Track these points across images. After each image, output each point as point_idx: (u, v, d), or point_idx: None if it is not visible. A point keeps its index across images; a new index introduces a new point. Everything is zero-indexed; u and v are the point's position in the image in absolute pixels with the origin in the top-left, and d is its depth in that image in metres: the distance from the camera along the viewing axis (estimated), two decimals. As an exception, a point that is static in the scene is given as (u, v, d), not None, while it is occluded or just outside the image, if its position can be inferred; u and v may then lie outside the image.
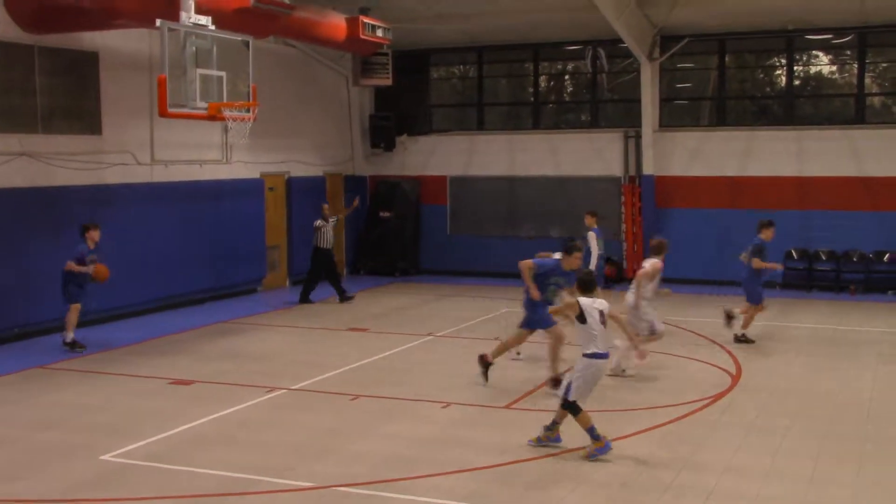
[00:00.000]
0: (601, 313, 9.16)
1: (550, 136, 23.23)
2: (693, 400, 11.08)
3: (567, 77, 25.22)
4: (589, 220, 16.92)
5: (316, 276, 19.05)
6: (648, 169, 21.89)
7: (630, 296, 12.59)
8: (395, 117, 24.04)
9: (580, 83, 24.60)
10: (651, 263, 12.80)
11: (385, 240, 23.31)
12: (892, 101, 22.33)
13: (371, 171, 24.43)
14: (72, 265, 13.71)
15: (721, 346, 14.33)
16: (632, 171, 22.18)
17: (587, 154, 22.58)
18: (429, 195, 23.86)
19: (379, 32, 19.30)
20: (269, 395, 11.44)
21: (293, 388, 11.77)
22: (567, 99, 25.21)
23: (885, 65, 22.44)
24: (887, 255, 20.13)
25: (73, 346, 13.98)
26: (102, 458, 8.99)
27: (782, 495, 7.99)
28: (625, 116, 22.65)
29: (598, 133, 22.83)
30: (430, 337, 15.31)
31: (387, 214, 23.40)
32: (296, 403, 11.17)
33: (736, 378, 12.33)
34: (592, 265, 16.08)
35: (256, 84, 14.30)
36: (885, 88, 22.51)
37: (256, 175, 20.49)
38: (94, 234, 14.03)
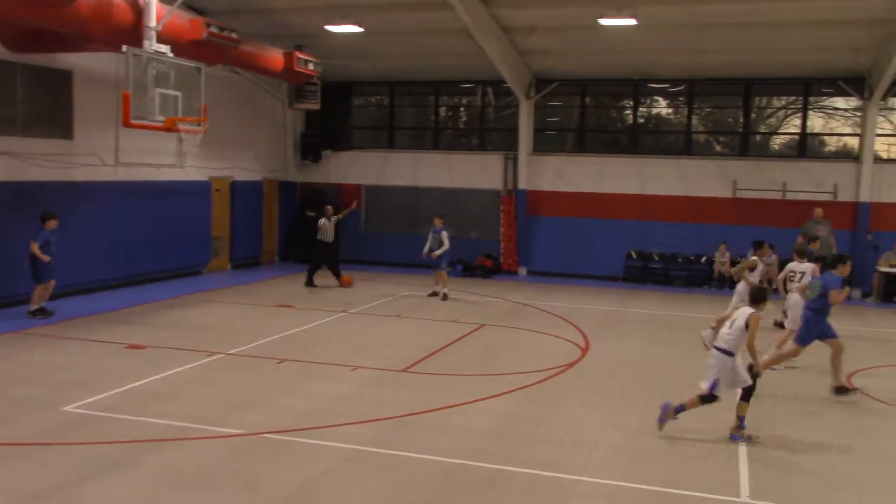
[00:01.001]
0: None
1: (447, 155, 23.31)
2: (549, 367, 11.29)
3: (462, 109, 25.36)
4: (437, 221, 17.52)
5: (318, 264, 18.89)
6: (523, 184, 22.20)
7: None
8: (321, 135, 23.82)
9: (472, 114, 24.76)
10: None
11: (311, 234, 23.05)
12: (713, 137, 23.12)
13: (301, 178, 24.14)
14: (35, 249, 13.35)
15: (573, 325, 14.64)
16: (510, 186, 22.43)
17: (475, 171, 22.75)
18: (348, 199, 23.71)
19: (310, 66, 19.08)
20: (210, 359, 11.25)
21: (230, 352, 11.59)
22: (461, 126, 25.33)
23: (708, 109, 23.22)
24: (704, 257, 20.87)
25: (36, 313, 13.62)
26: (65, 409, 8.73)
27: (616, 443, 8.23)
28: (506, 142, 22.86)
29: (484, 154, 23.02)
30: (344, 313, 15.25)
31: (312, 214, 23.12)
32: (231, 365, 11.00)
33: (585, 350, 12.62)
34: (438, 253, 17.15)
35: (207, 104, 14.01)
36: (707, 128, 23.29)
37: (205, 178, 20.03)
38: (52, 223, 13.70)
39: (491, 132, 23.94)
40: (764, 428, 8.71)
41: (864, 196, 19.74)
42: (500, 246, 22.38)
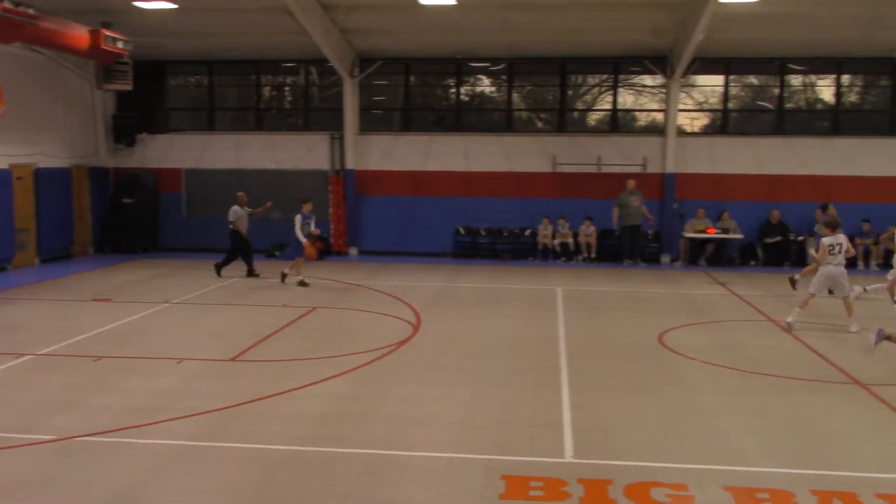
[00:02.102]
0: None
1: (271, 136, 22.77)
2: (381, 347, 11.31)
3: (286, 88, 24.79)
4: (307, 207, 16.92)
5: (234, 255, 17.75)
6: (350, 164, 22.09)
7: None
8: (136, 117, 22.61)
9: (296, 94, 24.27)
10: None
11: (128, 222, 21.96)
12: (534, 115, 23.90)
13: (114, 163, 22.79)
14: None
15: (404, 303, 14.77)
16: (337, 166, 22.26)
17: (301, 152, 22.38)
18: (166, 184, 22.69)
19: (119, 44, 18.04)
20: (18, 361, 10.42)
21: (40, 353, 10.79)
22: (285, 106, 24.78)
23: (528, 88, 23.97)
24: (528, 231, 21.64)
25: None
26: None
27: (448, 416, 8.37)
28: (332, 122, 22.60)
29: (310, 135, 22.66)
30: (167, 304, 14.59)
31: (129, 200, 22.01)
32: (43, 367, 10.22)
33: (416, 327, 12.76)
34: (302, 240, 16.52)
35: (3, 85, 12.93)
36: (528, 106, 24.04)
37: (5, 166, 18.49)
38: None
39: (316, 112, 23.57)
40: (586, 389, 9.18)
41: (670, 167, 21.12)
42: (330, 227, 22.18)
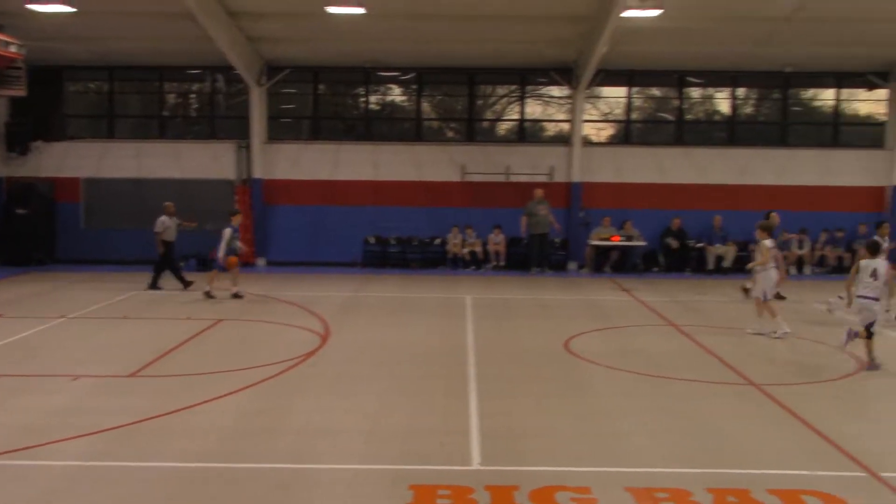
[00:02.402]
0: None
1: (175, 144, 22.25)
2: (289, 359, 11.15)
3: (191, 96, 24.27)
4: (235, 220, 16.64)
5: (165, 267, 17.14)
6: (257, 173, 21.79)
7: None
8: (30, 124, 21.72)
9: (202, 101, 23.78)
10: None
11: (21, 233, 21.06)
12: (444, 124, 24.08)
13: (7, 172, 21.84)
14: None
15: (313, 313, 14.62)
16: (244, 175, 21.91)
17: (206, 160, 21.95)
18: (63, 194, 21.88)
19: (12, 48, 17.32)
20: None
21: (-76, 372, 10.26)
22: (191, 114, 24.24)
23: (438, 97, 24.15)
24: (438, 240, 21.75)
25: None
26: None
27: (356, 427, 8.29)
28: (238, 130, 22.25)
29: (216, 143, 22.25)
30: (63, 318, 14.03)
31: (22, 211, 21.11)
32: (-73, 387, 9.73)
33: (325, 338, 12.65)
34: (220, 253, 16.12)
35: None
36: (438, 115, 24.20)
37: None
38: None
39: (223, 120, 23.16)
40: (494, 396, 9.29)
41: (576, 177, 21.61)
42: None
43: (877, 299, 11.00)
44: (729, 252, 21.08)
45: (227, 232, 16.25)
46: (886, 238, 14.09)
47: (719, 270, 20.95)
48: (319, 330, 13.24)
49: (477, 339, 12.60)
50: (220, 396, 9.28)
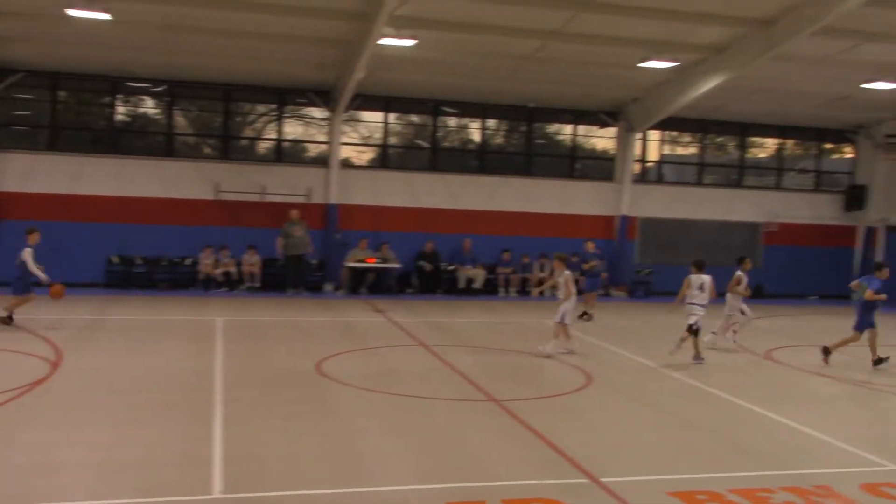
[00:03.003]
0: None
1: None
2: (9, 389, 10.06)
3: None
4: (32, 239, 14.92)
5: None
6: (-17, 184, 19.74)
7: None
8: None
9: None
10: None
11: None
12: (202, 140, 23.21)
13: None
14: None
15: (43, 338, 13.43)
16: (-33, 186, 19.77)
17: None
18: None
19: None
20: None
21: None
22: None
23: (195, 113, 23.25)
24: (189, 259, 20.86)
25: None
26: None
27: (85, 460, 7.69)
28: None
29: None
30: None
31: None
32: None
33: (56, 365, 11.62)
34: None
35: None
36: (193, 130, 23.29)
37: None
38: None
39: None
40: (240, 421, 9.01)
41: (334, 198, 21.71)
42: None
43: (703, 306, 13.66)
44: (478, 274, 22.12)
45: (28, 252, 14.69)
46: (745, 273, 15.48)
47: (469, 292, 21.91)
48: (50, 356, 12.16)
49: (226, 363, 12.19)
50: (-77, 433, 8.22)
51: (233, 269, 20.74)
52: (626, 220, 23.88)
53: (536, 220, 23.24)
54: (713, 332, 15.28)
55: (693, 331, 13.56)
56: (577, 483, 7.64)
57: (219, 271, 20.63)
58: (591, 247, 18.80)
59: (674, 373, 12.89)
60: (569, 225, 23.50)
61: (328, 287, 21.66)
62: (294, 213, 20.64)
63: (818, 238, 25.03)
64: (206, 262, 20.58)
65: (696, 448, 9.01)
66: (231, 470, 7.56)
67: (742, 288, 15.29)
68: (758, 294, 24.06)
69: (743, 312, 15.56)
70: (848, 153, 26.85)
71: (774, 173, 26.20)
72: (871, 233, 25.23)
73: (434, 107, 23.15)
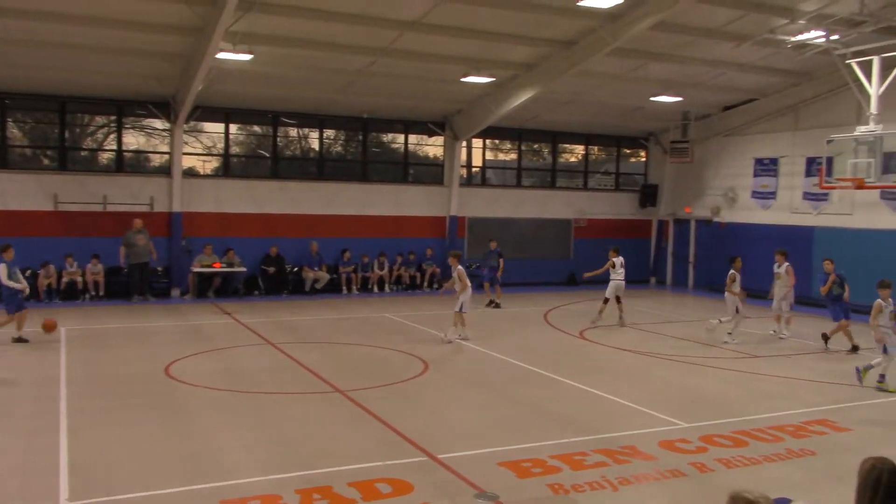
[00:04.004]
0: None
1: None
2: None
3: None
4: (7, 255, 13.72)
5: None
6: None
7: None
8: None
9: None
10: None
11: None
12: (41, 151, 21.48)
13: None
14: None
15: None
16: None
17: None
18: None
19: None
20: None
21: None
22: None
23: (30, 124, 21.49)
24: (29, 271, 19.23)
25: None
26: None
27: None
28: None
29: None
30: None
31: None
32: None
33: None
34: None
35: None
36: (30, 142, 21.51)
37: None
38: None
39: None
40: (87, 428, 8.46)
41: (177, 207, 20.75)
42: None
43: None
44: (322, 276, 21.86)
45: (2, 268, 13.51)
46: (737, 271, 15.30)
47: (314, 292, 21.62)
48: None
49: (70, 372, 11.40)
50: None
51: (78, 279, 19.36)
52: (456, 220, 24.37)
53: (374, 223, 23.26)
54: (720, 320, 15.29)
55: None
56: (418, 462, 7.75)
57: (64, 281, 19.20)
58: (493, 245, 20.52)
59: (500, 355, 13.31)
60: (404, 226, 23.69)
61: (175, 292, 20.69)
62: (137, 222, 19.54)
63: (620, 231, 26.57)
64: (47, 276, 19.06)
65: (521, 422, 9.37)
66: (78, 477, 7.11)
67: (737, 287, 15.06)
68: (571, 282, 25.42)
69: (737, 310, 15.09)
70: (642, 157, 28.75)
71: (582, 175, 27.61)
72: (662, 225, 27.16)
73: (274, 118, 22.62)
